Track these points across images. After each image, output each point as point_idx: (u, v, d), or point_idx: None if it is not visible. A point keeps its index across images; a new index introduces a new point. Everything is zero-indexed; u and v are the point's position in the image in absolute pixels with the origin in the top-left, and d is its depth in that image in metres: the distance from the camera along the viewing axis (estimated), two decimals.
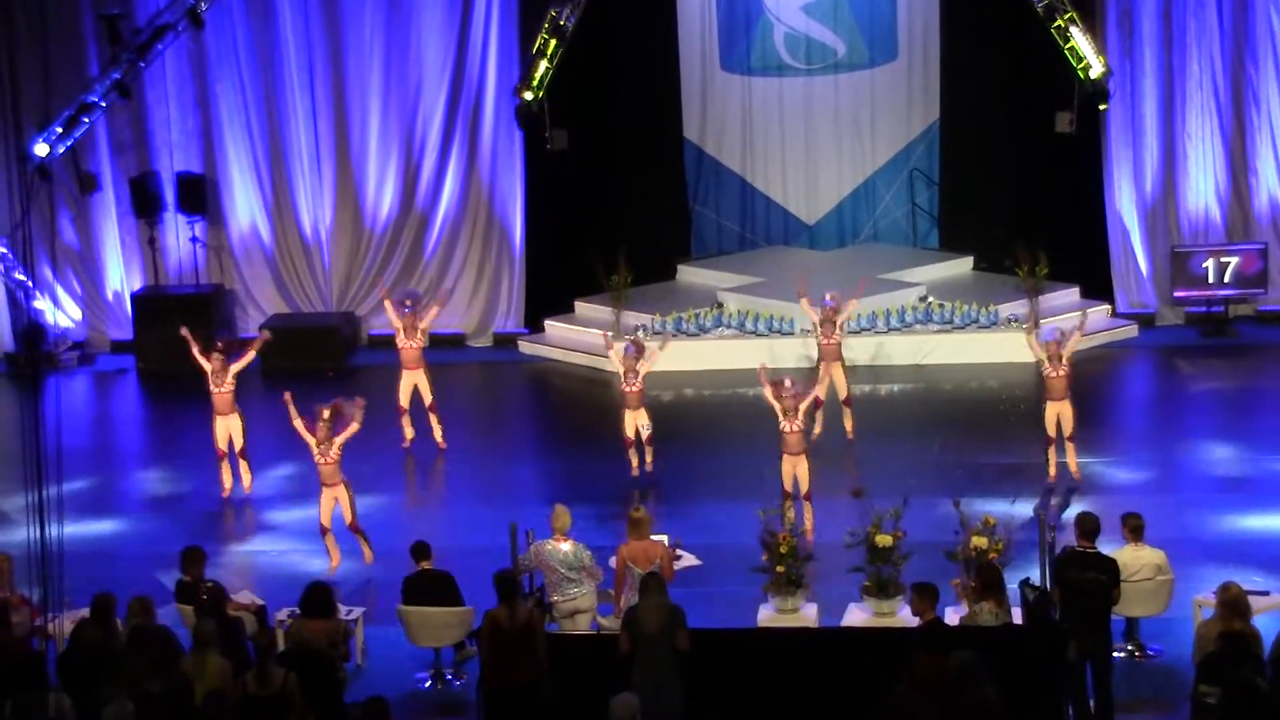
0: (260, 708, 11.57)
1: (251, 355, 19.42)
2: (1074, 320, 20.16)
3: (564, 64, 24.21)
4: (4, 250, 24.90)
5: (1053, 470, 18.29)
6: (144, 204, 25.44)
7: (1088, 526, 13.38)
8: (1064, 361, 18.29)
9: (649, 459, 19.02)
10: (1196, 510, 17.80)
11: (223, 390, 18.94)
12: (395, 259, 25.79)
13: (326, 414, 16.88)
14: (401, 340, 20.17)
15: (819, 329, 19.87)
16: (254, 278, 26.11)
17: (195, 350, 19.18)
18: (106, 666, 12.04)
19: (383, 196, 25.72)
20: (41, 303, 25.04)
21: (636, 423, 18.88)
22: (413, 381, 20.13)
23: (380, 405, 20.29)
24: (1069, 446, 18.38)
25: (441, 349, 25.17)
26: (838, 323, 19.86)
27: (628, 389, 18.84)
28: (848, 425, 19.94)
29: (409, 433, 20.27)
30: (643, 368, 18.89)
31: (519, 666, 12.56)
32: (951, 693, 11.03)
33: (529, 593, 13.92)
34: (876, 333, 23.63)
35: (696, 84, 26.93)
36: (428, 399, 20.12)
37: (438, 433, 20.22)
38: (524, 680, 12.55)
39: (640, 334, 23.08)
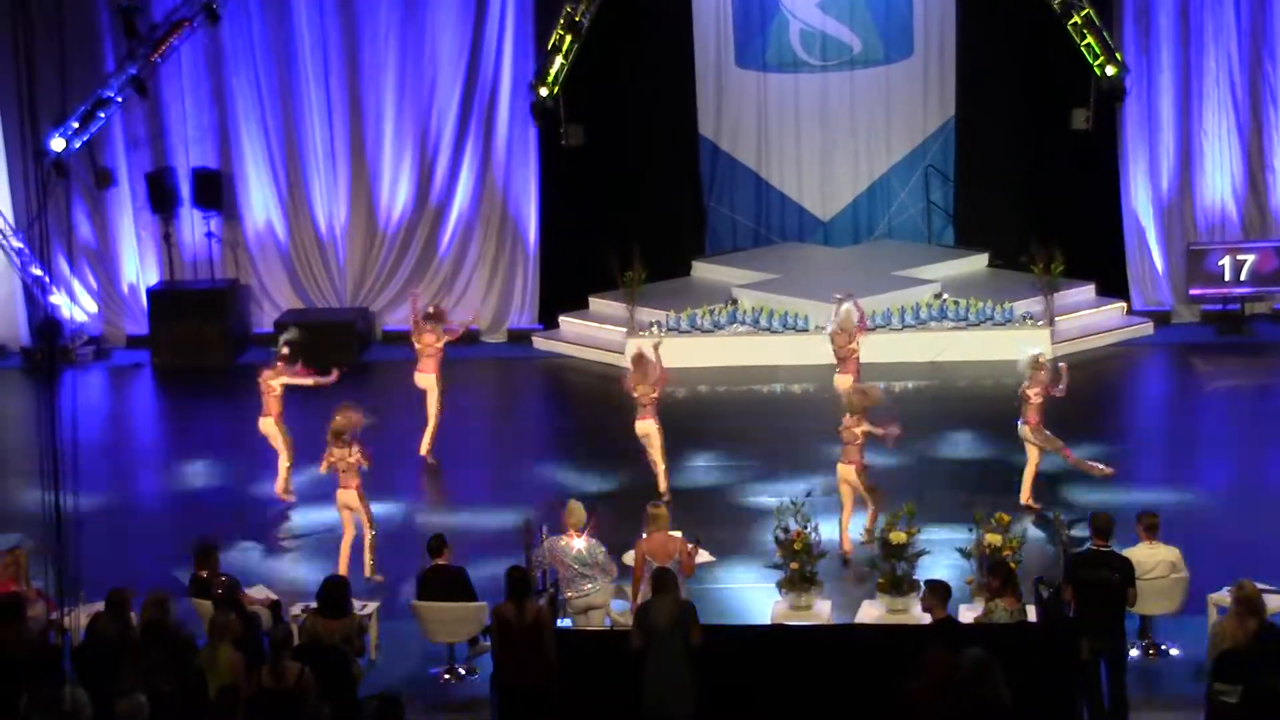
0: (275, 702, 11.59)
1: (308, 382, 19.02)
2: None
3: (579, 60, 24.22)
4: (21, 245, 24.97)
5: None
6: (160, 199, 25.47)
7: (1101, 525, 13.37)
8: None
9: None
10: (1212, 508, 17.77)
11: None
12: (410, 255, 25.82)
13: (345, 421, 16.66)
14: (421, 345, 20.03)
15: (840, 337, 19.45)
16: (269, 273, 26.15)
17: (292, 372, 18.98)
18: (122, 660, 12.08)
19: (397, 192, 25.73)
20: (57, 297, 25.09)
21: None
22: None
23: (392, 404, 20.34)
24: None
25: (456, 344, 25.15)
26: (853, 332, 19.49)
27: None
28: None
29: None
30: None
31: (528, 663, 12.58)
32: (963, 689, 11.03)
33: (542, 589, 13.92)
34: (891, 329, 23.62)
35: (711, 80, 26.92)
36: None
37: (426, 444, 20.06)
38: (534, 676, 12.56)
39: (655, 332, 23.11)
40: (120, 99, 24.13)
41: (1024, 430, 17.64)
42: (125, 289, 26.17)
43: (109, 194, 25.85)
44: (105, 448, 21.39)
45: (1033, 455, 17.67)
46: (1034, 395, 17.49)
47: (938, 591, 12.57)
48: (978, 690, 10.94)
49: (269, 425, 18.82)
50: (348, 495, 16.59)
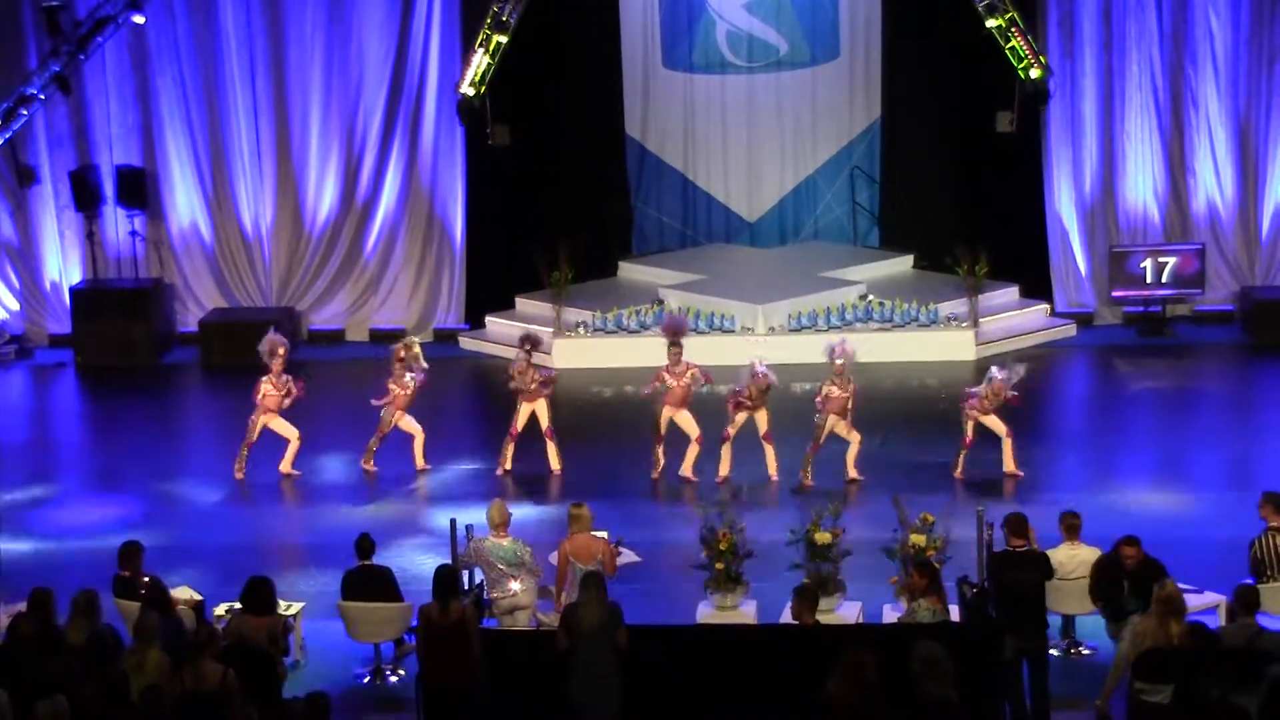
0: (198, 704, 11.52)
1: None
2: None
3: (506, 59, 24.19)
4: None
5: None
6: (83, 197, 25.29)
7: (1016, 525, 13.49)
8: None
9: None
10: (1132, 509, 17.91)
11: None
12: (335, 254, 25.74)
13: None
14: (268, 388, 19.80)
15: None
16: (194, 272, 26.00)
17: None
18: (43, 661, 11.98)
19: (323, 191, 25.64)
20: None
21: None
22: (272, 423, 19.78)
23: (320, 401, 20.28)
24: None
25: (382, 344, 25.09)
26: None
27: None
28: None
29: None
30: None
31: (452, 663, 12.56)
32: (912, 686, 11.01)
33: (468, 589, 13.91)
34: (817, 330, 23.71)
35: (638, 81, 26.96)
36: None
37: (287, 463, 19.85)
38: (459, 676, 12.55)
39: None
40: (43, 96, 23.94)
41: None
42: (48, 287, 25.97)
43: (32, 192, 25.66)
44: (27, 446, 21.22)
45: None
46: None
47: (806, 597, 12.67)
48: (926, 688, 10.93)
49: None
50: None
